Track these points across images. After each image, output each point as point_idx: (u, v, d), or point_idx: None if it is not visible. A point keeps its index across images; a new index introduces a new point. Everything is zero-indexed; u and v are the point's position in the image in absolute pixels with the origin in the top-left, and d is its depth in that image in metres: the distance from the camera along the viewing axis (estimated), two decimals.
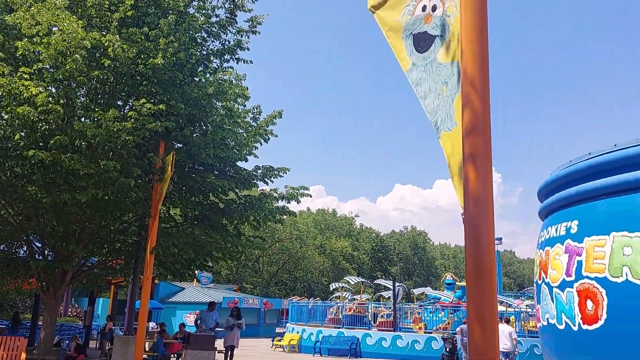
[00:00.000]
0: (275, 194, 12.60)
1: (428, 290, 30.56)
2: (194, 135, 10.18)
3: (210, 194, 12.05)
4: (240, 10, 11.01)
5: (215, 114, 9.98)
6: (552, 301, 8.96)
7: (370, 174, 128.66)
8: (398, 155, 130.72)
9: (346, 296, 27.76)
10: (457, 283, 25.44)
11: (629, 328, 7.37)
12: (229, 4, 10.94)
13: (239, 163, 12.38)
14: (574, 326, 8.26)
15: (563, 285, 8.62)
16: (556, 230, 9.13)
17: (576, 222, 8.63)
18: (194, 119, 10.25)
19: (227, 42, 11.27)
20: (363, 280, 30.66)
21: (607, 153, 8.38)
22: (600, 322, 7.79)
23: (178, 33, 9.44)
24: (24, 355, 8.70)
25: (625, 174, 7.91)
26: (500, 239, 50.86)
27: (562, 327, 8.61)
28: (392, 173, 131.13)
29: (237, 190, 12.64)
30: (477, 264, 2.84)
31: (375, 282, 30.50)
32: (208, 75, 10.42)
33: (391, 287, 23.96)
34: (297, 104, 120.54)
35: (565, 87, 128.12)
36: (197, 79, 10.22)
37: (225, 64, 11.42)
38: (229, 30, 11.14)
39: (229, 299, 33.62)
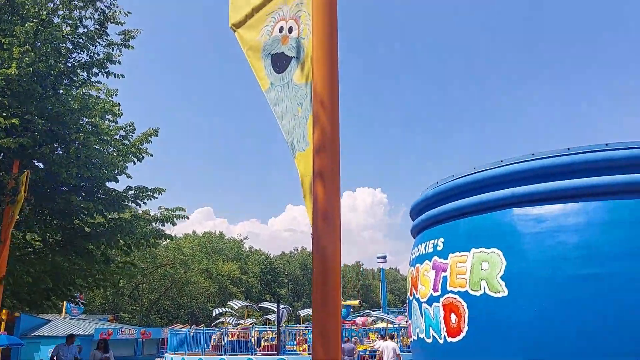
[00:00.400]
0: (147, 216, 11.92)
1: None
2: (55, 153, 9.31)
3: (75, 217, 11.09)
4: (111, 23, 10.39)
5: (80, 131, 9.22)
6: (422, 316, 9.37)
7: (261, 195, 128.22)
8: (290, 175, 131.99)
9: (230, 321, 27.00)
10: (342, 302, 25.90)
11: (487, 339, 7.89)
12: (99, 15, 10.27)
13: (108, 184, 11.58)
14: (440, 339, 8.70)
15: (431, 300, 9.06)
16: (425, 247, 9.62)
17: (442, 239, 9.16)
18: (55, 136, 9.39)
19: (96, 55, 10.55)
20: (247, 304, 30.09)
21: (467, 175, 9.04)
22: (463, 334, 8.27)
23: (38, 42, 8.65)
24: None
25: (482, 194, 8.57)
26: (385, 257, 53.06)
27: (430, 340, 9.02)
28: (284, 194, 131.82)
29: (105, 213, 11.79)
30: (323, 281, 2.80)
31: (260, 305, 30.00)
32: (73, 89, 9.64)
33: (287, 311, 23.81)
34: (190, 123, 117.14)
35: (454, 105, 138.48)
36: (60, 92, 9.39)
37: (93, 78, 10.67)
38: (98, 43, 10.45)
39: (101, 330, 31.07)
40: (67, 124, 9.19)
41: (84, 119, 9.84)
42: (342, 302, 26.03)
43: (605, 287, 7.01)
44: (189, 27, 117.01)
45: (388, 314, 30.29)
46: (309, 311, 31.32)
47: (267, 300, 68.66)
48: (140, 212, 11.72)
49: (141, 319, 57.89)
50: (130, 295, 60.10)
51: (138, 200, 11.99)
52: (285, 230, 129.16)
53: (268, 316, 31.12)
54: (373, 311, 30.86)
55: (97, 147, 9.71)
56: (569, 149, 8.04)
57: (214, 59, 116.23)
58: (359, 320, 29.86)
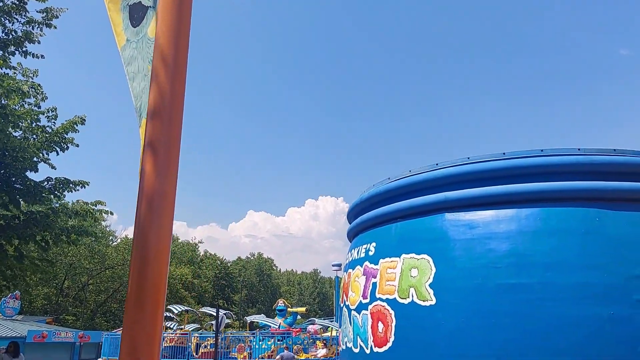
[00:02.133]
0: (66, 209, 11.05)
1: (262, 317, 30.02)
2: None
3: None
4: None
5: None
6: (350, 324, 8.88)
7: (222, 200, 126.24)
8: (252, 181, 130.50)
9: (171, 326, 25.96)
10: (288, 309, 25.28)
11: (413, 350, 7.45)
12: None
13: (29, 174, 10.67)
14: (367, 349, 8.21)
15: (359, 308, 8.58)
16: (357, 252, 9.16)
17: (374, 244, 8.71)
18: None
19: (13, 33, 9.69)
20: (187, 308, 29.08)
21: (401, 178, 8.64)
22: (389, 344, 7.81)
23: None
24: None
25: (413, 198, 8.17)
26: (340, 264, 52.54)
27: (357, 350, 8.53)
28: (246, 199, 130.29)
29: (22, 205, 10.86)
30: (140, 284, 2.19)
31: (200, 310, 29.05)
32: None
33: (228, 316, 22.95)
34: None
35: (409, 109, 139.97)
36: None
37: (10, 57, 9.79)
38: (16, 19, 9.60)
39: (35, 332, 29.39)
40: None
41: None
42: (290, 309, 25.51)
43: (533, 297, 6.67)
44: None
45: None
46: (256, 317, 30.60)
47: (220, 306, 67.22)
48: (57, 205, 10.85)
49: (86, 322, 55.62)
50: (75, 296, 57.72)
51: (56, 192, 11.11)
52: (245, 236, 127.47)
53: (213, 322, 30.18)
54: (320, 319, 30.31)
55: (3, 130, 8.84)
56: (504, 153, 7.73)
57: None
58: (310, 327, 29.25)
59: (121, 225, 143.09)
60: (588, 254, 6.59)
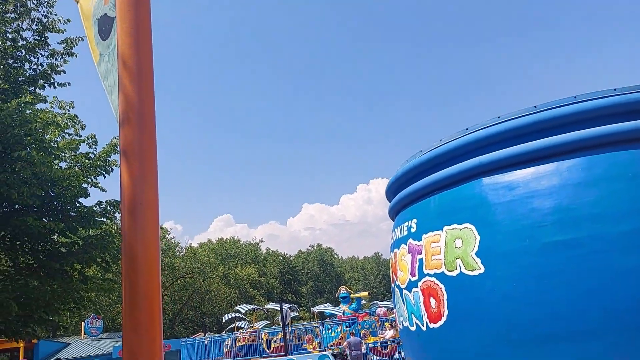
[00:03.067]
0: (119, 230, 11.50)
1: (327, 306, 30.29)
2: (1, 174, 8.89)
3: (42, 239, 10.71)
4: (50, 32, 9.96)
5: (21, 149, 8.80)
6: (403, 303, 8.79)
7: (277, 197, 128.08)
8: (301, 175, 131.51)
9: (242, 325, 26.67)
10: (351, 295, 25.36)
11: (468, 321, 7.28)
12: (36, 25, 9.85)
13: (82, 200, 11.20)
14: (423, 326, 8.10)
15: (410, 286, 8.47)
16: (400, 231, 9.02)
17: (415, 220, 8.55)
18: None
19: (39, 67, 10.15)
20: (254, 307, 29.73)
21: (433, 149, 8.42)
22: (444, 319, 7.66)
23: None
24: None
25: (449, 167, 7.95)
26: None
27: (413, 328, 8.43)
28: (299, 194, 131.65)
29: (80, 230, 11.41)
30: (133, 290, 2.23)
31: (266, 306, 29.65)
32: (7, 104, 9.22)
33: (292, 309, 23.36)
34: (194, 130, 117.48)
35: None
36: (4, 108, 8.95)
37: (40, 91, 10.26)
38: (40, 54, 10.04)
39: (119, 347, 31.00)
40: (7, 141, 8.77)
41: (32, 135, 9.42)
42: (353, 295, 25.55)
43: (583, 251, 6.35)
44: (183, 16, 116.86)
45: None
46: (321, 307, 30.93)
47: (289, 300, 68.39)
48: (113, 227, 11.35)
49: (166, 331, 58.06)
50: None
51: (107, 215, 11.58)
52: (304, 229, 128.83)
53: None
54: (383, 302, 30.24)
55: (46, 163, 9.27)
56: (535, 106, 7.36)
57: (212, 58, 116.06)
58: (379, 310, 29.23)
59: (187, 236, 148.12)
60: (638, 198, 6.19)
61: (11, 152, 8.82)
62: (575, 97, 7.13)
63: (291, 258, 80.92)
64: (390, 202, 10.24)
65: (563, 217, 6.61)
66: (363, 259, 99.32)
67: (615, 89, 6.96)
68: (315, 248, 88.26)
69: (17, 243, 10.72)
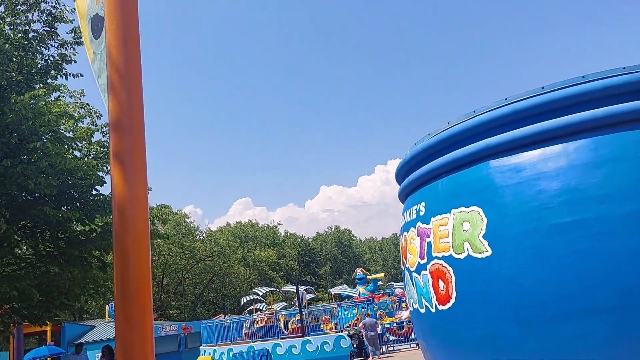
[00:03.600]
0: None
1: (344, 288, 30.57)
2: (18, 165, 9.13)
3: (60, 227, 11.01)
4: (59, 22, 10.09)
5: (38, 139, 9.01)
6: (413, 285, 8.87)
7: (295, 180, 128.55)
8: (319, 156, 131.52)
9: (261, 307, 27.11)
10: (367, 277, 25.55)
11: (476, 303, 7.35)
12: (46, 16, 9.98)
13: (99, 188, 11.45)
14: (432, 308, 8.19)
15: (419, 269, 8.54)
16: (409, 214, 9.07)
17: (423, 203, 8.58)
18: (15, 148, 9.22)
19: (50, 58, 10.31)
20: (271, 289, 30.14)
21: (441, 132, 8.40)
22: (452, 301, 7.74)
23: None
24: None
25: (456, 150, 7.93)
26: None
27: (423, 310, 8.52)
28: (317, 175, 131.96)
29: (97, 217, 11.68)
30: (124, 288, 2.34)
31: (283, 289, 30.04)
32: (24, 97, 9.42)
33: (308, 291, 23.63)
34: (213, 113, 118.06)
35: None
36: (12, 101, 9.16)
37: (53, 81, 10.45)
38: (50, 45, 10.20)
39: None
40: (23, 133, 8.99)
41: (44, 126, 9.62)
42: (369, 277, 25.75)
43: (590, 232, 6.34)
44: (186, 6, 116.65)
45: None
46: (337, 288, 31.25)
47: (307, 281, 69.12)
48: None
49: (188, 313, 59.18)
50: (175, 291, 61.50)
51: None
52: (322, 211, 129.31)
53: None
54: (398, 283, 30.36)
55: (61, 153, 9.48)
56: (543, 87, 7.28)
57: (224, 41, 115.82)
58: (397, 291, 29.44)
59: (207, 219, 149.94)
60: None
61: (27, 144, 9.04)
62: (583, 77, 7.04)
63: (309, 240, 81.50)
64: (400, 185, 10.27)
65: (570, 199, 6.58)
66: (381, 240, 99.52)
67: (624, 68, 6.85)
68: (333, 230, 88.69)
69: (37, 231, 11.04)
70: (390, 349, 18.82)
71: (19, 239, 10.45)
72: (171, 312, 57.56)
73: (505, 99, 7.60)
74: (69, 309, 12.45)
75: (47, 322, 12.02)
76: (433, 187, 8.43)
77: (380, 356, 17.31)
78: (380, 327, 18.20)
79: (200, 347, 24.20)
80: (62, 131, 9.91)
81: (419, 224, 8.58)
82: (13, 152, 9.13)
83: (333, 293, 30.84)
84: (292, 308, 27.92)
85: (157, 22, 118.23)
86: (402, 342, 19.24)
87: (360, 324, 17.77)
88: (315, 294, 37.99)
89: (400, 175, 9.98)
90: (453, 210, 7.80)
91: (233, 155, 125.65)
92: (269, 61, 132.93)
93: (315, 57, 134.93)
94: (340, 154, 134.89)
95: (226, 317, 28.27)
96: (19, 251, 11.33)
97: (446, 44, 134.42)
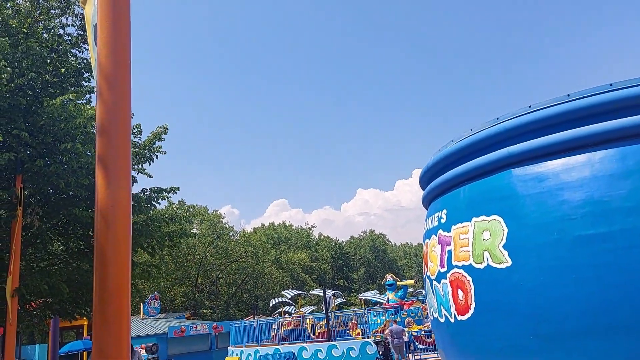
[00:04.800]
0: (164, 216, 12.03)
1: (373, 294, 30.37)
2: (51, 165, 9.48)
3: (93, 225, 11.34)
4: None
5: (69, 140, 9.34)
6: (433, 294, 8.75)
7: (331, 183, 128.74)
8: (356, 160, 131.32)
9: (289, 310, 27.23)
10: (397, 283, 25.30)
11: (495, 315, 7.18)
12: (80, 20, 10.35)
13: None
14: (451, 318, 8.05)
15: (439, 277, 8.41)
16: (431, 221, 8.96)
17: (445, 211, 8.46)
18: (46, 148, 9.59)
19: (83, 61, 10.69)
20: (299, 292, 30.20)
21: (464, 138, 8.26)
22: (471, 312, 7.58)
23: (17, 56, 8.81)
24: None
25: (478, 158, 7.79)
26: None
27: (442, 320, 8.39)
28: (353, 179, 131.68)
29: None
30: (103, 293, 2.40)
31: (311, 292, 30.05)
32: (57, 99, 9.77)
33: (336, 295, 23.61)
34: (251, 115, 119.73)
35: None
36: (45, 104, 9.50)
37: (86, 83, 10.81)
38: (84, 48, 10.56)
39: (174, 328, 32.48)
40: (56, 134, 9.32)
41: (76, 128, 9.96)
42: (399, 283, 25.48)
43: (615, 246, 6.11)
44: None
45: None
46: (366, 294, 31.08)
47: (340, 285, 68.96)
48: (153, 213, 11.84)
49: (221, 313, 59.90)
50: (209, 291, 62.45)
51: (152, 202, 12.08)
52: (358, 215, 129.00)
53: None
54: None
55: (90, 154, 9.79)
56: (568, 95, 7.07)
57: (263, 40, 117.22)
58: None
59: (243, 220, 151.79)
60: None
61: (59, 144, 9.38)
62: (611, 85, 6.79)
63: (343, 244, 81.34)
64: (423, 191, 10.15)
65: (594, 210, 6.36)
66: (417, 245, 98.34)
67: None
68: (367, 234, 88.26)
69: (70, 229, 11.39)
70: (417, 357, 18.55)
71: (52, 235, 10.83)
72: (204, 311, 58.43)
73: (530, 107, 7.41)
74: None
75: (77, 317, 12.42)
76: (455, 195, 8.29)
77: None
78: (407, 334, 18.00)
79: (229, 348, 24.53)
80: (93, 132, 10.26)
81: (440, 231, 8.45)
82: (46, 153, 9.51)
83: (362, 299, 30.72)
84: (321, 312, 27.95)
85: (185, 13, 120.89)
86: (431, 351, 18.92)
87: (387, 331, 17.61)
88: (344, 299, 37.77)
89: (424, 180, 9.87)
90: (474, 219, 7.65)
91: (270, 156, 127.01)
92: (307, 59, 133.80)
93: (356, 56, 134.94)
94: (378, 157, 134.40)
95: (255, 318, 28.54)
96: (52, 248, 11.76)
97: (496, 41, 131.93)
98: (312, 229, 79.16)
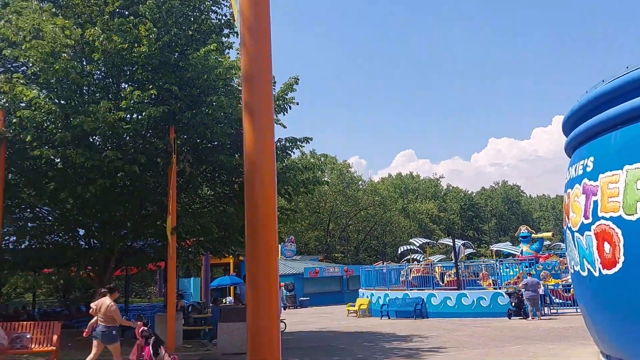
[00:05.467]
0: (298, 165, 12.65)
1: (506, 245, 29.24)
2: (197, 116, 10.39)
3: (236, 172, 12.32)
4: None
5: (213, 93, 10.11)
6: (575, 247, 8.23)
7: (461, 132, 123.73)
8: (489, 107, 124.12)
9: (418, 258, 27.38)
10: (532, 235, 24.07)
11: None
12: None
13: None
14: (595, 272, 7.55)
15: (582, 229, 7.87)
16: (575, 170, 8.32)
17: (592, 158, 7.80)
18: (195, 100, 10.48)
19: (223, 17, 11.32)
20: (428, 240, 30.00)
21: (617, 77, 7.43)
22: (619, 266, 7.04)
23: (162, 16, 9.61)
24: (55, 337, 9.53)
25: (634, 99, 6.97)
26: None
27: (585, 273, 7.90)
28: (485, 127, 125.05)
29: None
30: (253, 231, 2.67)
31: (439, 241, 29.69)
32: (197, 53, 10.51)
33: (466, 246, 23.25)
34: (377, 69, 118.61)
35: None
36: (190, 58, 10.27)
37: (226, 39, 11.48)
38: (224, 4, 11.18)
39: (309, 269, 34.58)
40: (201, 87, 10.13)
41: (218, 80, 10.70)
42: (534, 236, 24.21)
43: None
44: None
45: None
46: (499, 245, 30.00)
47: (469, 237, 67.40)
48: (287, 162, 12.50)
49: (351, 257, 62.24)
50: (339, 236, 64.95)
51: (287, 151, 12.73)
52: (489, 165, 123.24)
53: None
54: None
55: (233, 104, 10.51)
56: None
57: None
58: None
59: (370, 170, 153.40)
60: None
61: (205, 97, 10.20)
62: None
63: (473, 195, 78.70)
64: (566, 136, 9.39)
65: None
66: (555, 197, 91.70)
67: None
68: (499, 185, 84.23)
69: (216, 175, 12.47)
70: (553, 311, 17.73)
71: (201, 181, 11.99)
72: (336, 255, 61.05)
73: None
74: (243, 245, 14.09)
75: (226, 254, 13.79)
76: (604, 141, 7.56)
77: (541, 318, 16.45)
78: (542, 288, 17.22)
79: (359, 290, 25.57)
80: (233, 84, 10.99)
81: (585, 180, 7.83)
82: (194, 104, 10.42)
83: (494, 250, 29.76)
84: (450, 261, 27.72)
85: None
86: (569, 306, 17.95)
87: (521, 283, 17.00)
88: (474, 249, 36.92)
89: (568, 126, 9.10)
90: (626, 167, 6.96)
91: (397, 107, 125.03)
92: (440, 9, 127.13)
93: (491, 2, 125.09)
94: (513, 103, 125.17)
95: (384, 264, 29.20)
96: (201, 192, 13.05)
97: None
98: (440, 179, 77.57)
